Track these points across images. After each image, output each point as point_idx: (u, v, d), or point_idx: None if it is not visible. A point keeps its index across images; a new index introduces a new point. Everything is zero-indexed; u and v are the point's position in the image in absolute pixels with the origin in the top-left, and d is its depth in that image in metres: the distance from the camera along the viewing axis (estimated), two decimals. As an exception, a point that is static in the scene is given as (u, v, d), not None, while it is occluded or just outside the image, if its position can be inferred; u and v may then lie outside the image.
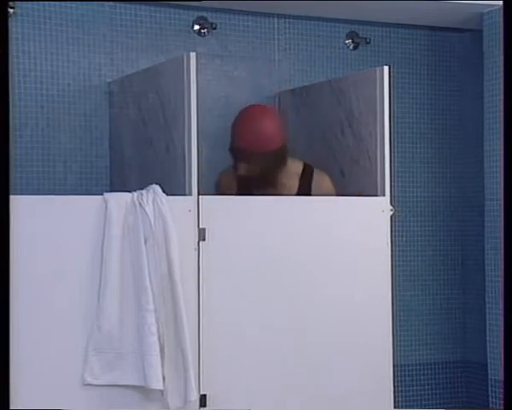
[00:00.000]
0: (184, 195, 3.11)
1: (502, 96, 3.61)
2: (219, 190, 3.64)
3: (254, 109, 3.58)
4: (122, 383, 2.96)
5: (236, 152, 3.52)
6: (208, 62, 3.85)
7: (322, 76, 4.06)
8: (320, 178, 3.58)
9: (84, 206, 2.98)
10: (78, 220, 2.95)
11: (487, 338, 3.93)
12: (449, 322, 4.37)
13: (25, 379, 2.82)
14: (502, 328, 3.30)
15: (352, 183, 3.54)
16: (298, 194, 3.57)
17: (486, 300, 3.94)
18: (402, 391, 4.22)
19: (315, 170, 3.59)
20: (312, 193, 3.55)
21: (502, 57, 3.36)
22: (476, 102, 4.15)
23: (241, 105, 3.86)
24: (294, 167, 3.59)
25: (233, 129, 3.55)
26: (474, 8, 3.90)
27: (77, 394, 2.92)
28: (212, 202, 3.14)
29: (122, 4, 3.76)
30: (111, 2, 3.74)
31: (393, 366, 3.39)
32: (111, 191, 3.19)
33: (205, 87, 3.66)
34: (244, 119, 3.53)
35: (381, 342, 3.36)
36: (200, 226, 3.10)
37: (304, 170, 3.60)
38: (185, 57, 3.10)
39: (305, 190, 3.57)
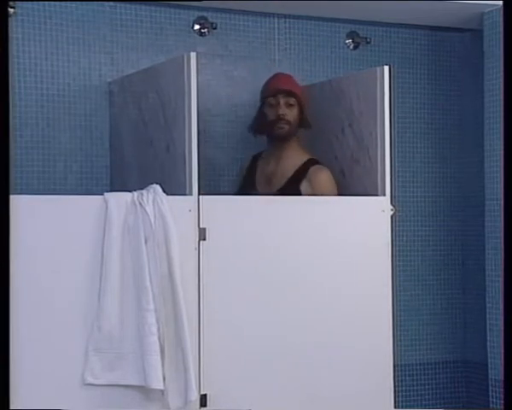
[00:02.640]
0: (185, 195, 3.11)
1: (502, 96, 3.60)
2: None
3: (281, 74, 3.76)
4: (122, 383, 2.96)
5: (277, 92, 3.62)
6: (208, 62, 3.84)
7: (323, 76, 4.06)
8: (313, 175, 3.54)
9: (85, 206, 2.97)
10: (79, 220, 2.95)
11: (487, 338, 3.93)
12: (449, 322, 4.37)
13: (25, 379, 2.82)
14: (502, 328, 3.30)
15: (352, 183, 3.54)
16: (287, 185, 3.56)
17: (487, 300, 3.94)
18: (402, 391, 4.22)
19: (312, 167, 3.56)
20: (301, 188, 3.53)
21: (502, 57, 3.36)
22: (476, 102, 4.15)
23: (241, 105, 3.87)
24: (297, 156, 3.61)
25: (268, 85, 3.67)
26: (475, 8, 3.90)
27: (77, 394, 2.92)
28: (212, 201, 3.14)
29: (122, 4, 3.76)
30: (111, 2, 3.74)
31: (394, 366, 3.39)
32: (111, 191, 3.19)
33: (205, 87, 3.66)
34: (275, 76, 3.71)
35: (382, 341, 3.36)
36: (201, 226, 3.10)
37: (304, 163, 3.59)
38: (185, 57, 3.10)
39: (294, 184, 3.55)
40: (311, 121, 3.68)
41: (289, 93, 3.61)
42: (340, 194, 3.53)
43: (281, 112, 3.58)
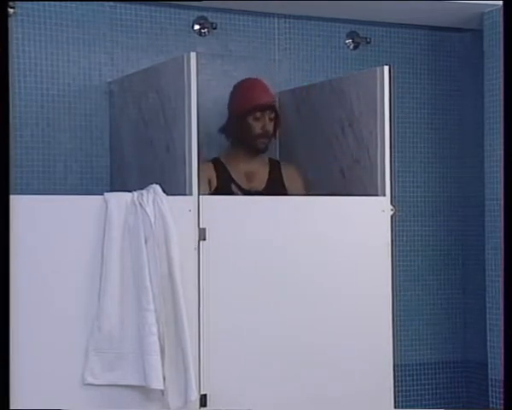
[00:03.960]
0: (184, 195, 3.11)
1: (502, 96, 3.60)
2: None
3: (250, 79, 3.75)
4: (122, 383, 2.96)
5: (266, 107, 3.63)
6: (208, 62, 3.84)
7: (323, 76, 4.06)
8: (290, 171, 3.74)
9: (85, 206, 2.97)
10: (79, 220, 2.95)
11: (487, 338, 3.93)
12: (449, 322, 4.37)
13: (25, 379, 2.82)
14: (502, 328, 3.30)
15: (352, 183, 3.54)
16: (268, 185, 3.67)
17: (486, 300, 3.94)
18: (402, 391, 4.22)
19: (282, 163, 3.76)
20: (286, 185, 3.70)
21: (502, 57, 3.36)
22: (476, 102, 4.15)
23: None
24: (263, 160, 3.75)
25: (255, 97, 3.65)
26: (475, 8, 3.90)
27: (77, 394, 2.92)
28: (212, 202, 3.14)
29: (122, 4, 3.76)
30: (111, 2, 3.74)
31: (394, 366, 3.39)
32: (111, 191, 3.19)
33: (205, 87, 3.66)
34: (256, 85, 3.69)
35: (382, 342, 3.36)
36: (201, 226, 3.10)
37: (270, 163, 3.74)
38: (185, 57, 3.10)
39: (275, 181, 3.69)
40: (311, 121, 3.69)
41: (274, 108, 3.67)
42: (338, 194, 3.53)
43: (267, 128, 3.63)
